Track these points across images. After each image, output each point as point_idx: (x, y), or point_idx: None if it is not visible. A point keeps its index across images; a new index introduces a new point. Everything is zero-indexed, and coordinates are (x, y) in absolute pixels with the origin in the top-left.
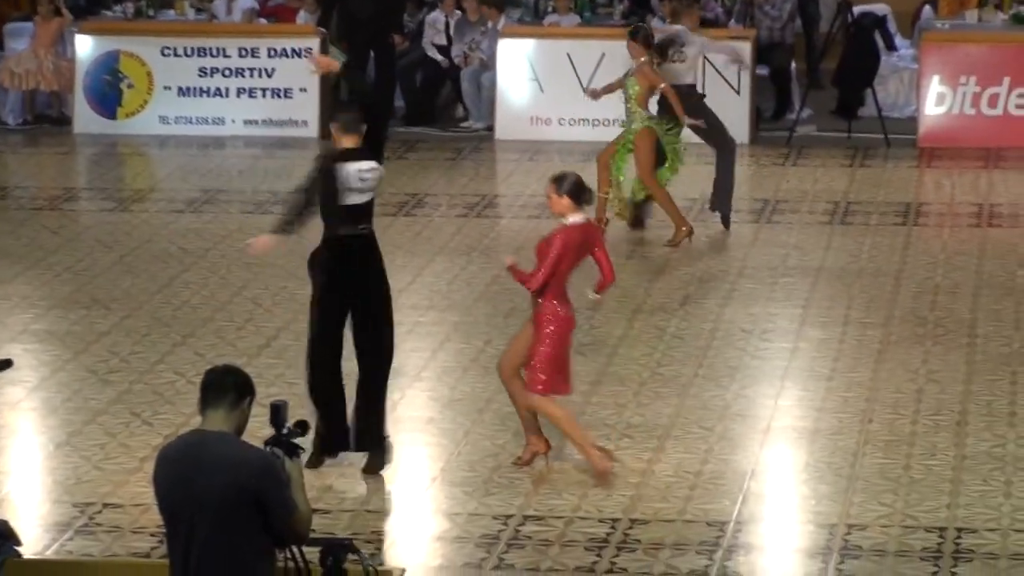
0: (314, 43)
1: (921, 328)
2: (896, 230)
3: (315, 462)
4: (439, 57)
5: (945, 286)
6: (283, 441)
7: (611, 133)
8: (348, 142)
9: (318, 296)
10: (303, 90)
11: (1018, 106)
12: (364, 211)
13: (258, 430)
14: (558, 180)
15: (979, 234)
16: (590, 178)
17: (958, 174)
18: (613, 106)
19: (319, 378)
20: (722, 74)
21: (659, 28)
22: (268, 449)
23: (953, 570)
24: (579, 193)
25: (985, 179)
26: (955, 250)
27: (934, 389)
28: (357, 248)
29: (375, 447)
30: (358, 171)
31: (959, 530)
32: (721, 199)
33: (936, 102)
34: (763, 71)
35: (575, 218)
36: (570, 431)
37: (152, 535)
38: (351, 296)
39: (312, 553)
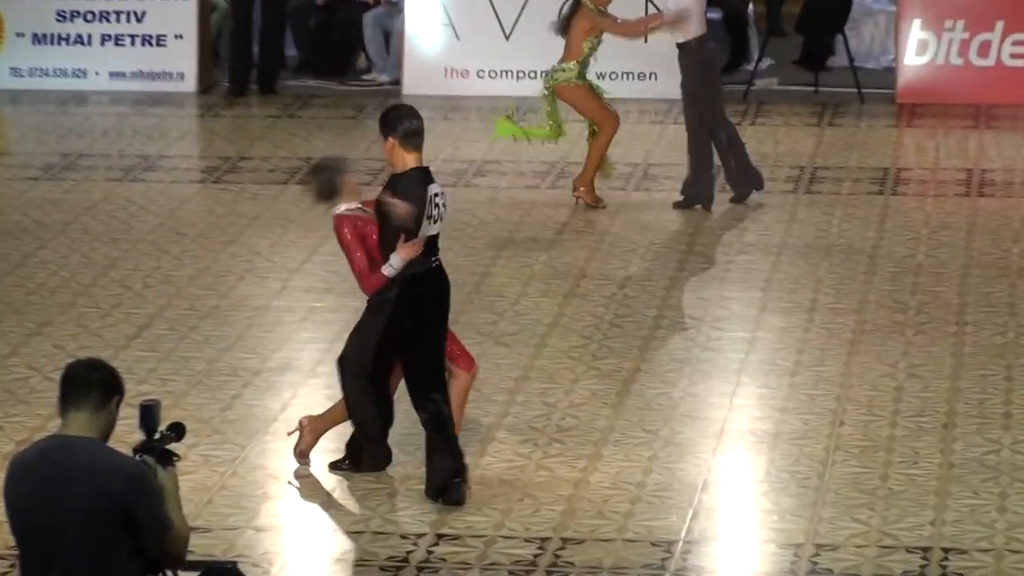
0: None
1: (901, 315)
2: (871, 200)
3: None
4: None
5: (928, 265)
6: (155, 448)
7: (535, 86)
8: (414, 160)
9: (381, 341)
10: (179, 37)
11: (1013, 55)
12: (436, 242)
13: (126, 435)
14: None
15: (968, 205)
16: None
17: (943, 135)
18: (541, 56)
19: (376, 412)
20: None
21: None
22: (138, 457)
23: None
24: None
25: (975, 140)
26: (940, 223)
27: (916, 386)
28: (433, 286)
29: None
30: (433, 195)
31: (946, 550)
32: (739, 178)
33: (917, 51)
34: (715, 15)
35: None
36: None
37: (2, 558)
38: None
39: None
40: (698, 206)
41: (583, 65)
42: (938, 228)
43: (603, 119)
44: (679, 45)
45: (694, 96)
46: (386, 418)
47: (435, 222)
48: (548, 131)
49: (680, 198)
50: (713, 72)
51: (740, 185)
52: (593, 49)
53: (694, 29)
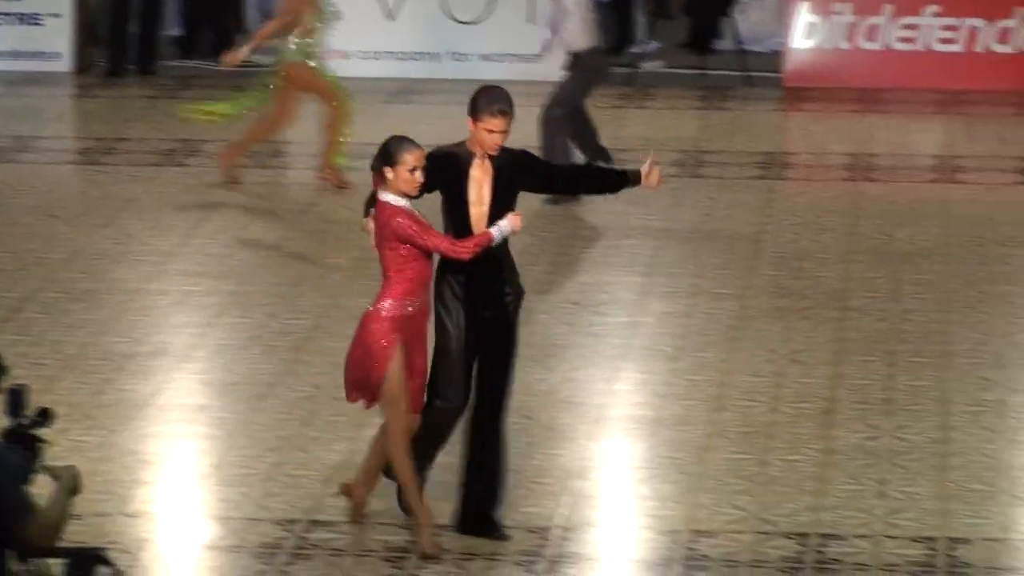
0: None
1: (783, 300)
2: (756, 184)
3: None
4: None
5: (812, 251)
6: (23, 433)
7: (420, 68)
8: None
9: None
10: (55, 16)
11: (901, 39)
12: None
13: None
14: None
15: (853, 190)
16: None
17: (829, 119)
18: (422, 37)
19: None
20: None
21: None
22: (3, 442)
23: None
24: None
25: (861, 125)
26: (825, 208)
27: (797, 372)
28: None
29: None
30: None
31: (824, 536)
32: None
33: (805, 34)
34: None
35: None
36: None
37: None
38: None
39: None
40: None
41: (310, 44)
42: (822, 213)
43: (331, 99)
44: (572, 54)
45: (569, 98)
46: None
47: None
48: (228, 107)
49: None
50: (597, 83)
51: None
52: (319, 27)
53: (587, 40)
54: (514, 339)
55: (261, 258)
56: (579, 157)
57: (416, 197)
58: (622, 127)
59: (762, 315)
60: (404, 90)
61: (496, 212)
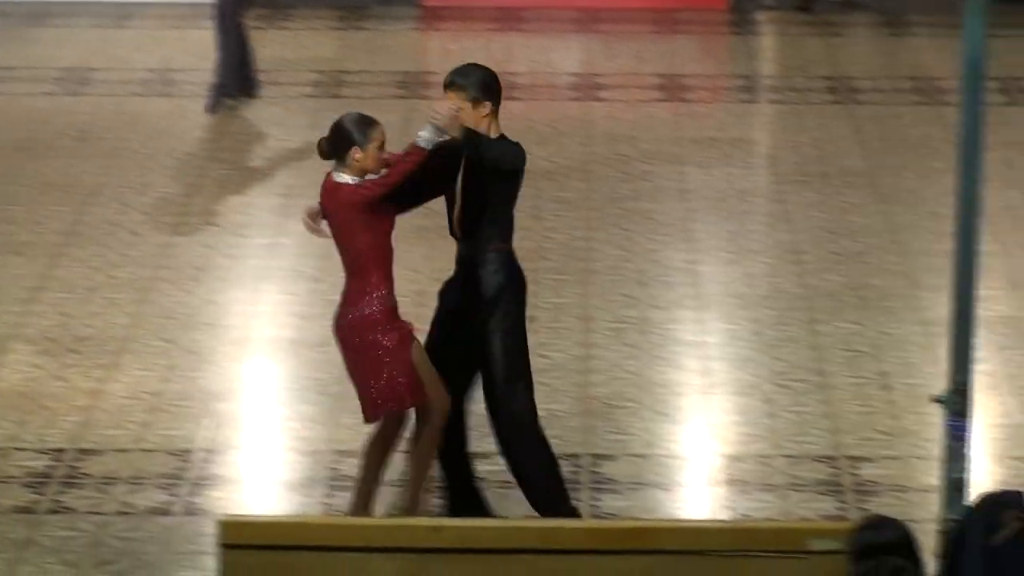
0: None
1: (426, 220)
2: (395, 104)
3: None
4: None
5: None
6: None
7: None
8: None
9: (519, 321)
10: None
11: None
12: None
13: None
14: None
15: None
16: None
17: (468, 38)
18: None
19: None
20: None
21: None
22: None
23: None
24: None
25: (500, 43)
26: None
27: (435, 289)
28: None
29: None
30: None
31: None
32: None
33: None
34: None
35: None
36: None
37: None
38: None
39: None
40: (233, 100)
41: None
42: None
43: None
44: None
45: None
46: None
47: None
48: None
49: (213, 99)
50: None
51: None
52: None
53: None
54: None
55: None
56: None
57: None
58: (261, 48)
59: (404, 235)
60: (42, 13)
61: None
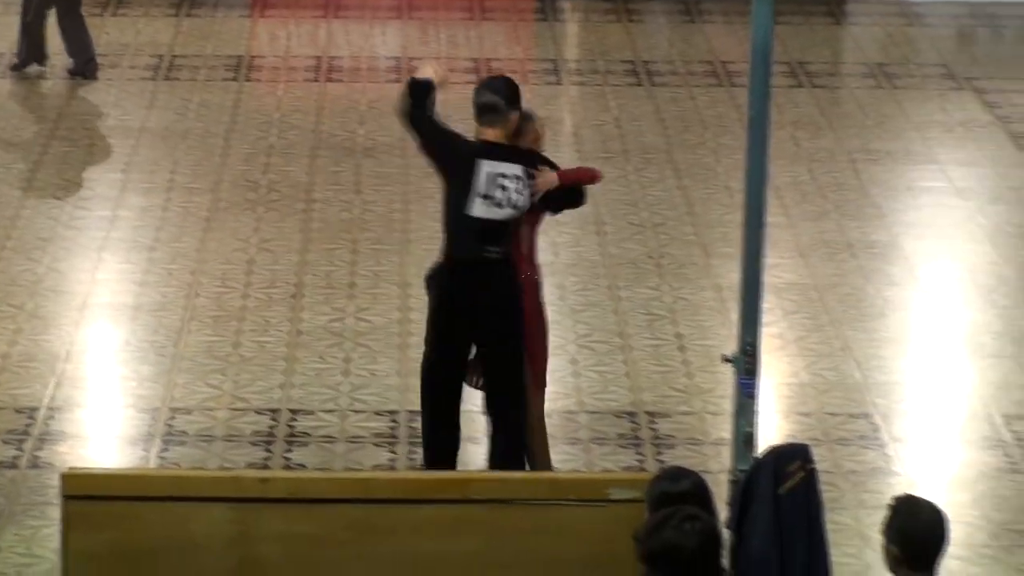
0: None
1: (253, 193)
2: (226, 86)
3: None
4: None
5: (280, 147)
6: None
7: None
8: (490, 134)
9: (432, 316)
10: None
11: None
12: (495, 231)
13: None
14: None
15: (317, 90)
16: None
17: (295, 24)
18: None
19: (430, 400)
20: None
21: None
22: None
23: (287, 455)
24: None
25: (324, 29)
26: (291, 107)
27: (267, 259)
28: (478, 278)
29: None
30: (497, 174)
31: (293, 412)
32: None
33: None
34: None
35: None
36: None
37: None
38: (471, 332)
39: None
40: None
41: None
42: (289, 112)
43: None
44: None
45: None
46: (431, 412)
47: (494, 205)
48: None
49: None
50: None
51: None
52: None
53: None
54: None
55: None
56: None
57: None
58: (100, 34)
59: (233, 207)
60: None
61: None
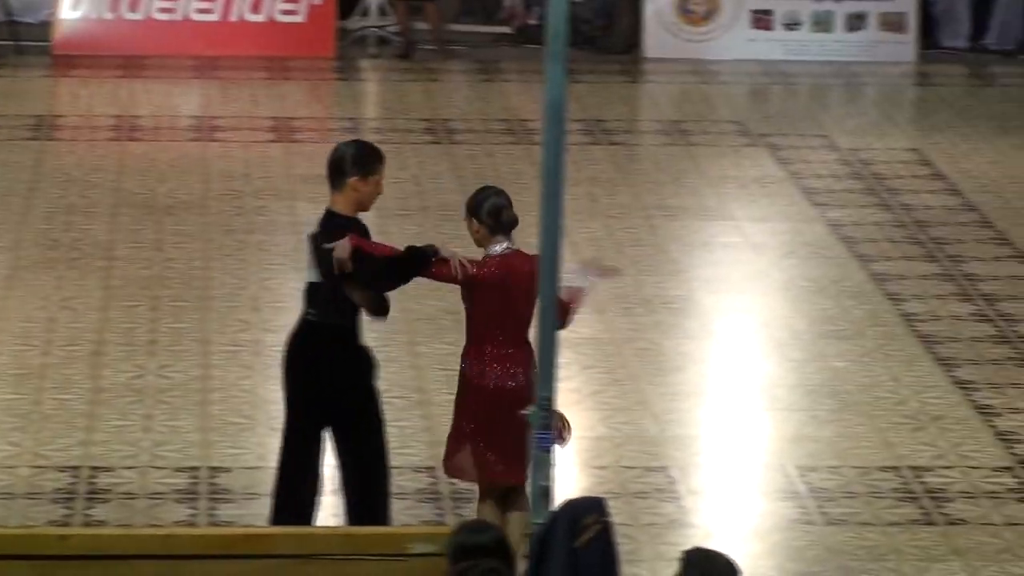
0: None
1: (54, 251)
2: (28, 146)
3: None
4: None
5: (81, 205)
6: None
7: None
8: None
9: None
10: None
11: (161, 9)
12: (310, 292)
13: None
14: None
15: (118, 149)
16: None
17: (96, 84)
18: None
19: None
20: None
21: None
22: None
23: (88, 512)
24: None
25: (125, 89)
26: (92, 166)
27: (68, 317)
28: (304, 338)
29: None
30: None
31: (94, 468)
32: None
33: (72, 5)
34: None
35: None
36: None
37: None
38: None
39: None
40: None
41: None
42: (90, 171)
43: None
44: None
45: None
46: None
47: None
48: None
49: None
50: None
51: None
52: None
53: None
54: None
55: None
56: None
57: None
58: None
59: (34, 265)
60: None
61: None
